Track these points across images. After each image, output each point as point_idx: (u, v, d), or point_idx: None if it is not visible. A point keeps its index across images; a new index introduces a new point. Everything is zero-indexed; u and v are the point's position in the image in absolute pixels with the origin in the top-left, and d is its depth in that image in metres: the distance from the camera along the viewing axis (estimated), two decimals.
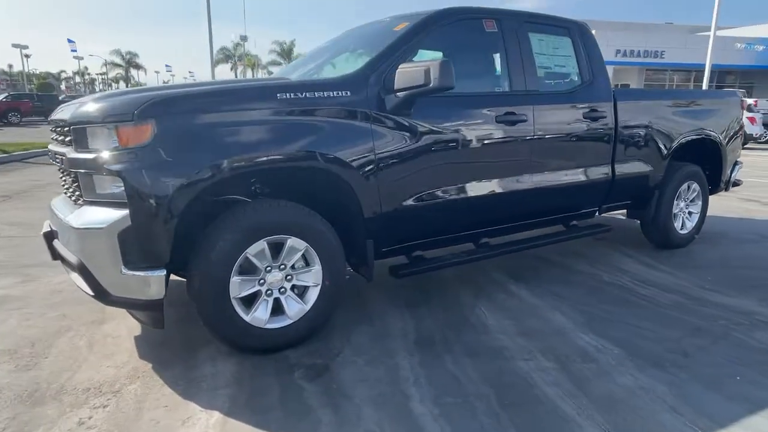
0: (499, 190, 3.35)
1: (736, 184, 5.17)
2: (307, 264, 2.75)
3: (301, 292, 2.77)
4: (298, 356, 2.68)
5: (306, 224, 2.66)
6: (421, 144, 2.97)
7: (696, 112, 4.53)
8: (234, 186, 2.60)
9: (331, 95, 2.72)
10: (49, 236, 2.85)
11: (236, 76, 68.72)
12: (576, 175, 3.76)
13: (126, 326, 3.08)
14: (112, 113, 2.35)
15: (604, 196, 4.05)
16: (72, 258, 2.48)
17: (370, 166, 2.79)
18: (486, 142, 3.25)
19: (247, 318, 2.60)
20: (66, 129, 2.57)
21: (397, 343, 2.83)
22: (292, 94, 2.62)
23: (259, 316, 2.64)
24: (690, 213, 4.77)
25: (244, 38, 45.90)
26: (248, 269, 2.60)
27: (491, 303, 3.39)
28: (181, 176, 2.33)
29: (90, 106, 2.45)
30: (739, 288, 3.69)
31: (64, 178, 2.88)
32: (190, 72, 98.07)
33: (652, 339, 2.88)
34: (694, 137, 4.47)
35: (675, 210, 4.55)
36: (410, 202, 3.01)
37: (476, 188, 3.25)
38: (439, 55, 3.28)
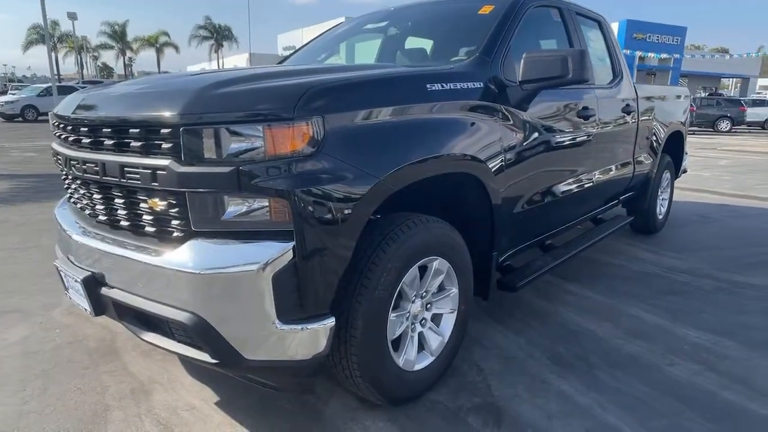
0: (579, 186, 3.23)
1: (684, 171, 5.77)
2: (443, 288, 2.32)
3: (437, 322, 2.34)
4: (448, 399, 2.26)
5: (449, 242, 2.24)
6: (535, 141, 2.70)
7: (675, 106, 4.92)
8: (387, 200, 2.05)
9: (467, 87, 2.31)
10: (93, 283, 1.99)
11: (56, 61, 59.74)
12: (618, 169, 3.81)
13: (185, 389, 2.32)
14: (257, 108, 1.67)
15: (625, 188, 4.17)
16: (174, 314, 1.74)
17: (501, 169, 2.44)
18: (576, 137, 3.09)
19: (399, 362, 2.10)
20: (138, 131, 1.77)
21: (534, 366, 2.54)
22: (439, 86, 2.15)
23: (409, 357, 2.17)
24: (662, 200, 5.19)
25: (72, 15, 39.41)
26: (396, 303, 2.09)
27: (571, 307, 3.27)
28: (358, 193, 1.76)
29: (202, 99, 1.71)
30: (749, 267, 4.09)
31: (96, 198, 2.04)
32: None
33: (743, 326, 3.01)
34: (675, 129, 4.85)
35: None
36: (525, 205, 2.73)
37: (568, 185, 3.09)
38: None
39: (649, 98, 4.25)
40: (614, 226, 4.03)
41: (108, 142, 1.88)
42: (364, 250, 1.89)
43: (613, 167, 3.73)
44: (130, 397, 2.28)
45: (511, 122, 2.50)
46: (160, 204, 1.78)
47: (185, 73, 2.31)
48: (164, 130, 1.70)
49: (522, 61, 2.49)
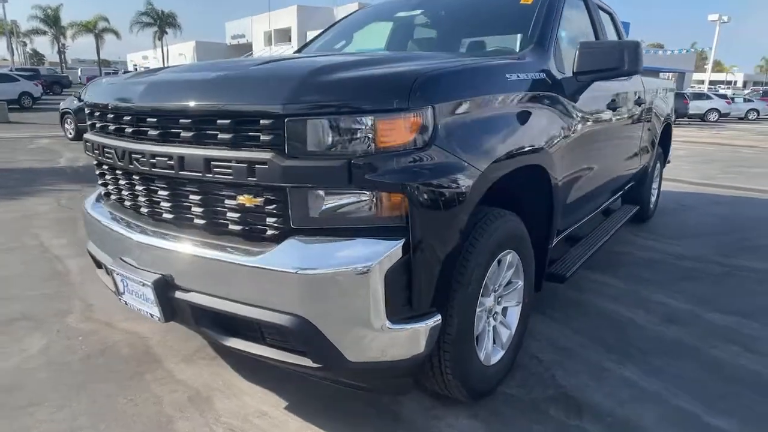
0: (608, 175, 3.31)
1: (668, 161, 6.03)
2: (510, 281, 2.31)
3: (505, 315, 2.32)
4: (521, 392, 2.26)
5: (520, 234, 2.22)
6: (584, 131, 2.72)
7: (667, 99, 5.11)
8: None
9: (534, 78, 2.29)
10: (165, 286, 1.83)
11: None
12: (632, 159, 3.93)
13: (247, 395, 2.21)
14: (368, 98, 1.57)
15: (632, 178, 4.31)
16: (273, 318, 1.64)
17: (561, 159, 2.45)
18: (610, 128, 3.16)
19: (481, 357, 2.08)
20: (230, 122, 1.64)
21: (590, 355, 2.58)
22: (515, 76, 2.12)
23: (488, 351, 2.15)
24: (653, 189, 5.40)
25: None
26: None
27: (601, 295, 3.34)
28: (466, 186, 1.71)
29: (309, 88, 1.59)
30: (745, 252, 4.33)
31: (162, 195, 1.89)
32: None
33: (760, 308, 3.18)
34: (667, 122, 5.05)
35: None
36: (572, 195, 2.75)
37: (602, 175, 3.16)
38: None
39: (651, 91, 4.39)
40: (625, 215, 4.16)
41: (186, 134, 1.73)
42: (460, 245, 1.84)
43: (631, 157, 3.84)
44: (191, 407, 2.14)
45: (568, 112, 2.51)
46: (254, 200, 1.66)
47: (261, 59, 2.15)
48: (265, 121, 1.58)
49: (577, 51, 2.49)
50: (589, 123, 2.81)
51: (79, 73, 48.99)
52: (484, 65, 2.06)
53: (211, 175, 1.68)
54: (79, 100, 12.45)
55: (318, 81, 1.62)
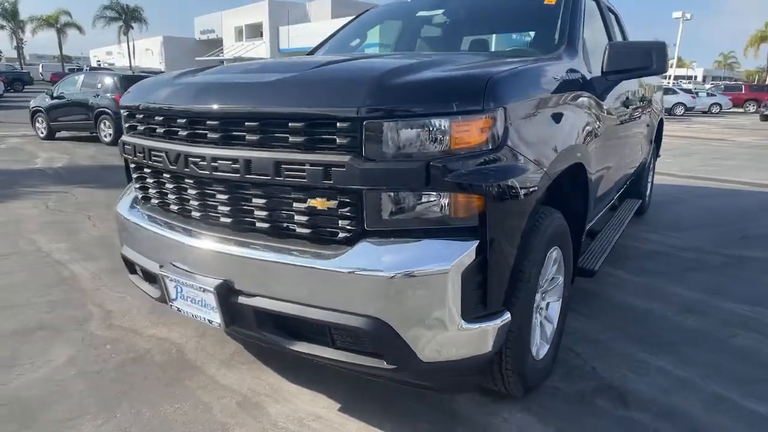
0: (623, 170, 3.40)
1: (659, 155, 6.22)
2: (552, 277, 2.35)
3: (548, 310, 2.37)
4: (564, 385, 2.31)
5: (564, 231, 2.27)
6: (612, 128, 2.80)
7: (659, 95, 5.27)
8: None
9: (574, 78, 2.33)
10: (228, 292, 1.80)
11: None
12: (638, 153, 4.04)
13: (297, 398, 2.19)
14: (444, 100, 1.57)
15: (636, 171, 4.43)
16: (348, 320, 1.63)
17: (594, 155, 2.50)
18: (628, 124, 3.23)
19: (533, 351, 2.12)
20: (303, 124, 1.62)
21: (622, 346, 2.65)
22: (561, 76, 2.16)
23: (537, 346, 2.18)
24: (648, 182, 5.57)
25: None
26: None
27: (617, 288, 3.44)
28: (534, 186, 1.74)
29: (385, 90, 1.59)
30: (740, 242, 4.50)
31: (221, 199, 1.85)
32: None
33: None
34: (660, 117, 5.21)
35: None
36: (600, 190, 2.82)
37: (619, 170, 3.24)
38: None
39: (649, 88, 4.52)
40: (631, 209, 4.27)
41: (253, 137, 1.70)
42: (525, 243, 1.87)
43: (637, 152, 3.95)
44: (242, 413, 2.11)
45: (599, 110, 2.57)
46: (327, 203, 1.65)
47: (316, 61, 2.11)
48: (342, 124, 1.57)
49: (607, 51, 2.55)
50: (612, 120, 2.88)
51: (41, 70, 47.07)
52: (540, 66, 2.08)
53: (281, 179, 1.66)
54: (52, 97, 12.03)
55: (394, 84, 1.61)
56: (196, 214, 1.97)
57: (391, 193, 1.60)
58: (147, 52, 62.31)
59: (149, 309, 3.07)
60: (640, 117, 3.90)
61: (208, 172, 1.80)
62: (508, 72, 1.75)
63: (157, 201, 2.16)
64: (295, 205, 1.71)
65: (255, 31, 47.48)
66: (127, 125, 2.21)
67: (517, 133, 1.70)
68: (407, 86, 1.61)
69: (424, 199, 1.60)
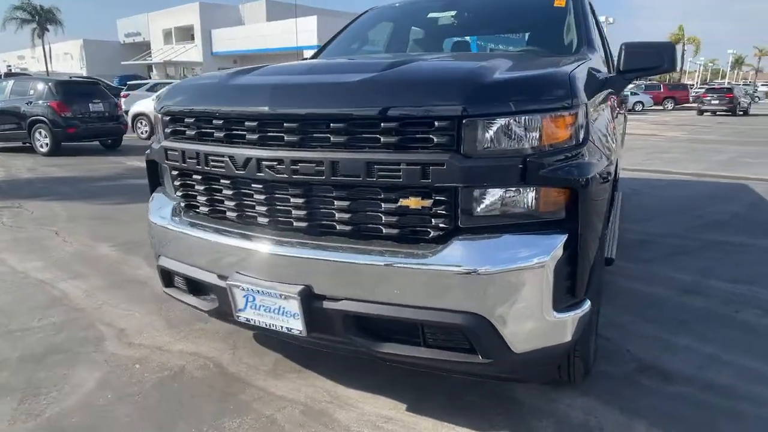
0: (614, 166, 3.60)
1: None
2: None
3: None
4: (609, 368, 2.43)
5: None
6: (619, 123, 2.96)
7: (625, 95, 5.62)
8: None
9: (605, 76, 2.46)
10: (311, 297, 1.76)
11: None
12: (620, 149, 4.29)
13: (360, 402, 2.17)
14: (536, 97, 1.62)
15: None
16: (444, 318, 1.65)
17: (618, 149, 2.66)
18: (621, 121, 3.42)
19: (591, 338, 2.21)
20: (397, 124, 1.62)
21: (645, 328, 2.82)
22: (598, 74, 2.27)
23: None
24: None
25: None
26: None
27: (618, 275, 3.64)
28: (609, 179, 1.82)
29: (481, 89, 1.61)
30: (708, 227, 4.89)
31: (297, 202, 1.80)
32: None
33: (754, 275, 3.63)
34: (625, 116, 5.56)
35: None
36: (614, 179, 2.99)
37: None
38: None
39: None
40: (619, 198, 4.53)
41: (339, 138, 1.67)
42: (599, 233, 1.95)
43: (621, 147, 4.20)
44: (311, 421, 2.06)
45: (619, 106, 2.73)
46: (421, 202, 1.65)
47: (385, 61, 2.07)
48: (441, 123, 1.58)
49: (623, 51, 2.69)
50: (621, 114, 3.06)
51: None
52: (587, 65, 2.19)
53: (372, 179, 1.64)
54: None
55: (490, 82, 1.64)
56: (263, 219, 1.90)
57: (486, 190, 1.63)
58: (66, 56, 58.34)
59: (165, 324, 2.92)
60: (624, 111, 4.15)
61: (286, 176, 1.74)
62: (580, 71, 1.83)
63: (208, 208, 2.07)
64: (384, 205, 1.69)
65: (185, 34, 45.69)
66: (169, 130, 2.10)
67: (592, 128, 1.79)
68: (502, 84, 1.65)
69: (516, 195, 1.64)
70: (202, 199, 2.07)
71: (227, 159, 1.86)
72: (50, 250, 4.33)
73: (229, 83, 1.97)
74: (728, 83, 35.63)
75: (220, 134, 1.90)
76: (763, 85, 57.07)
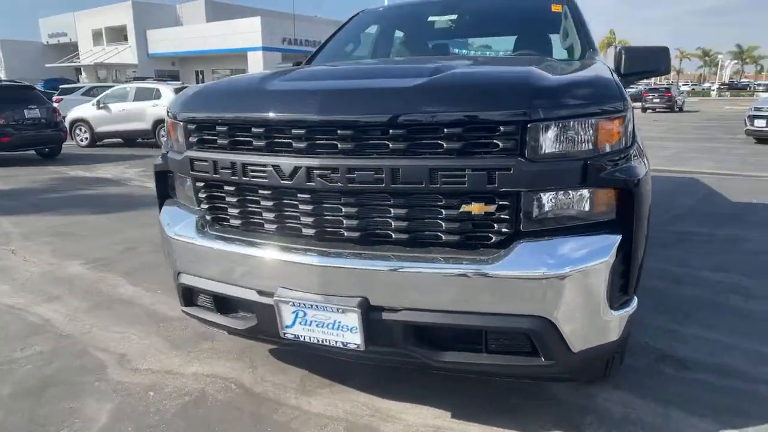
0: None
1: None
2: None
3: None
4: (631, 361, 2.50)
5: None
6: None
7: None
8: None
9: (617, 79, 2.53)
10: (370, 309, 1.69)
11: None
12: None
13: (402, 413, 2.13)
14: (595, 101, 1.64)
15: None
16: (511, 323, 1.65)
17: None
18: None
19: None
20: (461, 129, 1.59)
21: (655, 320, 2.93)
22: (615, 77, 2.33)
23: None
24: None
25: None
26: None
27: None
28: (649, 179, 1.86)
29: (543, 93, 1.61)
30: (677, 219, 5.17)
31: (350, 211, 1.74)
32: None
33: (729, 263, 3.87)
34: None
35: None
36: None
37: None
38: None
39: None
40: None
41: (399, 144, 1.62)
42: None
43: None
44: None
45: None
46: (485, 207, 1.63)
47: (429, 66, 2.01)
48: (506, 127, 1.57)
49: (624, 56, 2.79)
50: None
51: None
52: (612, 69, 2.24)
53: (436, 186, 1.61)
54: None
55: (550, 85, 1.65)
56: (309, 230, 1.81)
57: (548, 193, 1.63)
58: None
59: (169, 346, 2.74)
60: None
61: (341, 185, 1.67)
62: (613, 74, 1.88)
63: (241, 220, 1.95)
64: (444, 212, 1.66)
65: (118, 34, 43.38)
66: (195, 139, 1.96)
67: (635, 130, 1.84)
68: (562, 88, 1.66)
69: (575, 197, 1.66)
70: (234, 211, 1.95)
71: (271, 168, 1.76)
72: (12, 271, 3.97)
73: (266, 88, 1.87)
74: (654, 83, 38.05)
75: (260, 143, 1.79)
76: (683, 85, 61.42)
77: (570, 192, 1.65)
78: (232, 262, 1.92)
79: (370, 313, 1.70)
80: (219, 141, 1.89)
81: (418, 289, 1.68)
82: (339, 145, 1.67)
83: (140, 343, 2.79)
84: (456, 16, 3.28)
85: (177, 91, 13.06)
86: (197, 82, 22.02)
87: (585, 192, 1.66)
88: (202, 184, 2.00)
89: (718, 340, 2.69)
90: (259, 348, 2.65)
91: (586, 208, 1.68)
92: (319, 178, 1.69)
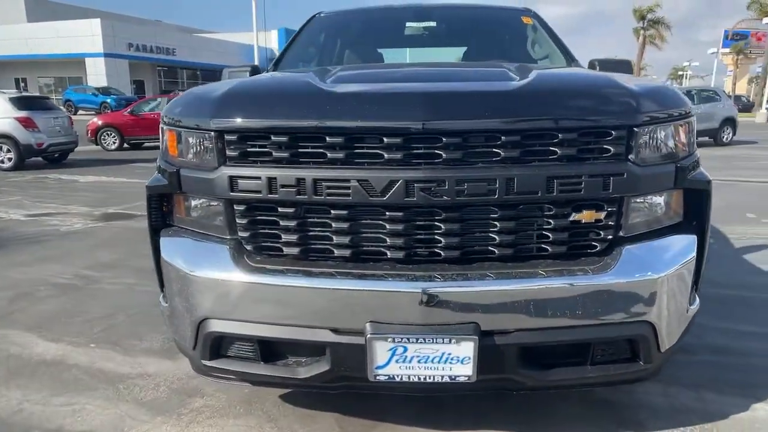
0: None
1: None
2: None
3: None
4: None
5: None
6: None
7: None
8: None
9: None
10: (480, 336, 1.51)
11: None
12: None
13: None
14: (676, 106, 1.68)
15: None
16: (619, 332, 1.63)
17: None
18: None
19: None
20: (576, 135, 1.51)
21: None
22: None
23: None
24: None
25: None
26: None
27: None
28: None
29: (645, 97, 1.60)
30: None
31: (452, 228, 1.55)
32: None
33: None
34: None
35: None
36: None
37: None
38: None
39: None
40: None
41: (512, 153, 1.48)
42: None
43: None
44: None
45: None
46: (596, 214, 1.56)
47: (504, 72, 1.83)
48: (617, 132, 1.53)
49: (597, 66, 2.94)
50: None
51: None
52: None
53: (551, 194, 1.50)
54: None
55: (647, 92, 1.65)
56: (397, 253, 1.57)
57: (648, 197, 1.64)
58: None
59: (147, 411, 2.23)
60: None
61: (448, 198, 1.47)
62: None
63: (301, 248, 1.62)
64: (554, 221, 1.56)
65: None
66: (236, 153, 1.59)
67: None
68: (651, 95, 1.66)
69: (667, 199, 1.69)
70: (291, 237, 1.62)
71: (356, 184, 1.49)
72: None
73: (336, 91, 1.58)
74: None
75: (338, 154, 1.50)
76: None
77: (664, 194, 1.68)
78: (291, 297, 1.59)
79: (482, 340, 1.52)
80: (276, 154, 1.55)
81: (530, 307, 1.55)
82: (444, 155, 1.48)
83: (105, 414, 2.20)
84: (444, 26, 3.22)
85: (15, 99, 11.00)
86: (20, 91, 18.76)
87: (674, 193, 1.70)
88: (243, 206, 1.63)
89: (728, 329, 2.85)
90: (266, 395, 2.27)
91: (673, 209, 1.72)
92: (421, 192, 1.48)
